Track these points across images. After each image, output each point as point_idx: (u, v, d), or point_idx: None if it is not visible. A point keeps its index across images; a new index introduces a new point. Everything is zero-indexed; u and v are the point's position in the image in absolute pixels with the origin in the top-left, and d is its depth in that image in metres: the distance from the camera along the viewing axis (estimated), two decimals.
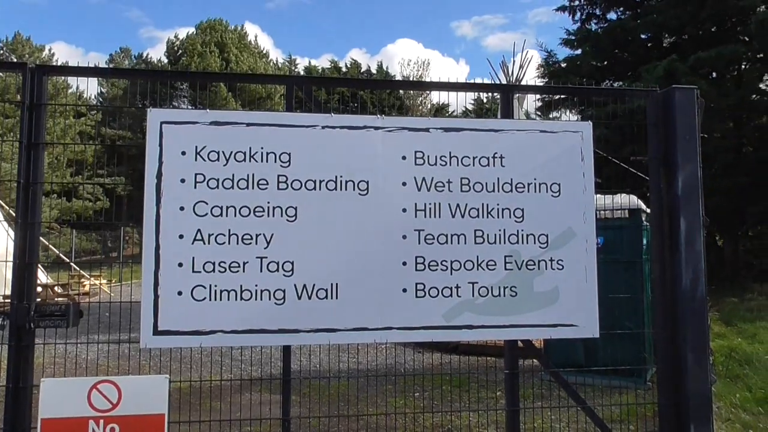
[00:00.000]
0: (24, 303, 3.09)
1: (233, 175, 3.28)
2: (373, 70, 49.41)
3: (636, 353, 6.77)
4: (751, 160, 17.27)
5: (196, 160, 3.26)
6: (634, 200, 7.35)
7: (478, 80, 3.89)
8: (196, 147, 3.26)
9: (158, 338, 3.18)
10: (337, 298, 3.29)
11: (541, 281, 3.48)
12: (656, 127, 3.71)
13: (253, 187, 3.29)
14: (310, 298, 3.26)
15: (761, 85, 17.14)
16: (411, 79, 43.57)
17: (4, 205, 13.82)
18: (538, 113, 22.38)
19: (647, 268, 6.97)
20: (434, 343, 9.49)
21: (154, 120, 3.24)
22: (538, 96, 21.53)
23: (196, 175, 3.25)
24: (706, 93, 15.52)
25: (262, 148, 3.31)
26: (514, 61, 13.13)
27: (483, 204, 3.46)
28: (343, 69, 46.09)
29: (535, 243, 3.49)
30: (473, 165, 3.49)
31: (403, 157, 3.43)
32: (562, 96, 20.80)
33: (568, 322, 3.48)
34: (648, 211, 7.37)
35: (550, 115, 23.41)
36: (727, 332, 10.62)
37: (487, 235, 3.45)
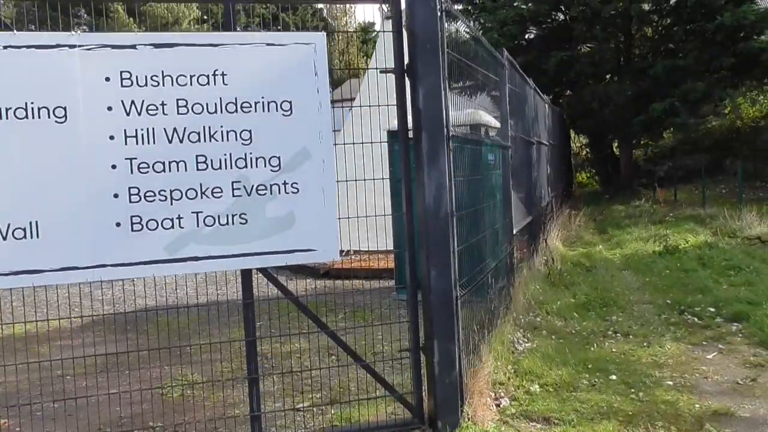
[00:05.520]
0: None
1: None
2: None
3: None
4: (637, 69, 17.52)
5: None
6: (478, 115, 7.22)
7: None
8: None
9: None
10: (38, 237, 3.00)
11: (275, 206, 3.29)
12: (399, 36, 3.48)
13: None
14: (5, 238, 2.96)
15: None
16: None
17: None
18: None
19: (500, 182, 6.92)
20: (306, 270, 9.50)
21: None
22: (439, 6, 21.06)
23: None
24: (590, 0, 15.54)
25: None
26: None
27: (204, 127, 3.19)
28: None
29: (266, 166, 3.28)
30: (191, 84, 3.18)
31: (107, 79, 3.08)
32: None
33: (306, 247, 3.33)
34: (497, 126, 7.31)
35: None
36: (596, 240, 11.02)
37: (211, 160, 3.20)
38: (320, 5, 48.32)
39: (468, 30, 5.14)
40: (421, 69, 3.42)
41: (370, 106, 3.81)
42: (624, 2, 15.95)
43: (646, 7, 17.15)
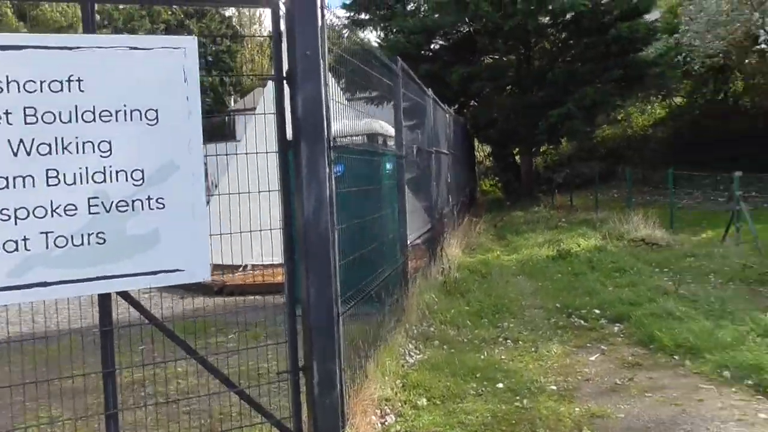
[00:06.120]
0: None
1: None
2: None
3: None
4: (537, 80, 18.27)
5: None
6: (375, 125, 7.22)
7: None
8: None
9: None
10: None
11: (137, 224, 3.04)
12: (279, 42, 3.36)
13: None
14: None
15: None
16: None
17: None
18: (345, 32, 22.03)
19: (395, 192, 6.91)
20: (200, 288, 9.09)
21: None
22: (346, 14, 21.15)
23: None
24: (491, 14, 16.08)
25: None
26: None
27: (56, 138, 2.90)
28: None
29: (127, 180, 3.02)
30: (41, 91, 2.88)
31: None
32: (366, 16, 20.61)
33: (173, 267, 3.10)
34: (389, 134, 7.31)
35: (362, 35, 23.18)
36: (494, 246, 11.30)
37: (64, 174, 2.91)
38: (228, 12, 47.29)
39: (356, 38, 5.10)
40: (301, 76, 3.30)
41: (264, 114, 3.67)
42: (522, 16, 16.58)
43: (545, 20, 17.93)
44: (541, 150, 21.88)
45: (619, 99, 18.35)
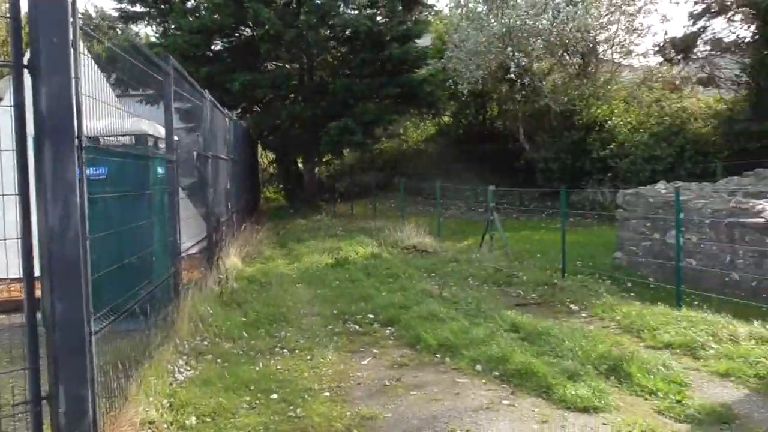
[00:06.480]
0: None
1: None
2: None
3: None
4: (319, 90, 18.71)
5: None
6: (144, 125, 6.69)
7: None
8: None
9: None
10: None
11: None
12: (18, 24, 2.92)
13: None
14: None
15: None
16: None
17: None
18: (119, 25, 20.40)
19: (166, 198, 6.44)
20: None
21: None
22: (116, 5, 19.51)
23: None
24: (272, 22, 16.10)
25: None
26: None
27: None
28: None
29: None
30: None
31: None
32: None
33: None
34: (162, 136, 6.85)
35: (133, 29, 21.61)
36: (275, 255, 11.25)
37: None
38: None
39: (125, 32, 4.69)
40: (46, 66, 2.90)
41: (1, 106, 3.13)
42: (304, 28, 16.85)
43: (326, 33, 18.42)
44: (324, 159, 22.41)
45: (396, 115, 19.60)
